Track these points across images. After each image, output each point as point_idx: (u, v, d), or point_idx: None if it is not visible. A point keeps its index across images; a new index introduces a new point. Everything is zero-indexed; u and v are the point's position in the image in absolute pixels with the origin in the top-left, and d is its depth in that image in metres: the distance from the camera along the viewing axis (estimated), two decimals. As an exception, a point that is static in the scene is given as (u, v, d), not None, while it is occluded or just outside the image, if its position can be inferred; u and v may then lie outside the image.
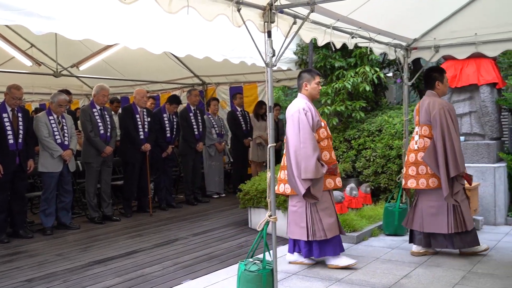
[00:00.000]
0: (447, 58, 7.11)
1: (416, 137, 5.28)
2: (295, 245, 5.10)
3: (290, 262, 5.15)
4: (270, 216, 3.98)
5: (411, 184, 5.25)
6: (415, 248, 5.38)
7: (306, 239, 4.87)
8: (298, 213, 4.90)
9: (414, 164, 5.23)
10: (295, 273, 4.81)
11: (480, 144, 6.91)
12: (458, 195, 5.03)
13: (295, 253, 5.13)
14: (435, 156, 5.01)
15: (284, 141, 4.93)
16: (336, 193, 6.41)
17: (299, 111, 4.76)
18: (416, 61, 7.90)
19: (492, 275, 4.61)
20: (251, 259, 4.07)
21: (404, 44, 6.18)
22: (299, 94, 5.04)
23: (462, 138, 7.07)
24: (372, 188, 7.22)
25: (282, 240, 6.02)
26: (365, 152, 7.33)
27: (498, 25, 5.51)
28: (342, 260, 4.95)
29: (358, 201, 6.72)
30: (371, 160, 7.24)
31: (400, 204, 6.22)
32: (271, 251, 4.06)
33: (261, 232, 4.01)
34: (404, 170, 5.45)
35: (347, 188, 6.69)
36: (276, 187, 5.00)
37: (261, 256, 4.05)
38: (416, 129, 5.32)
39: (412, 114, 7.33)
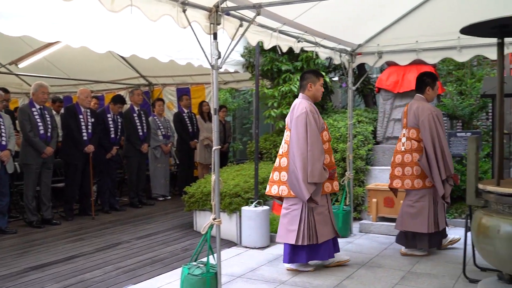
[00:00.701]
0: (390, 64, 7.31)
1: (403, 139, 5.41)
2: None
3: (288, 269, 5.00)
4: (214, 219, 3.96)
5: (396, 184, 5.40)
6: (403, 249, 5.54)
7: (293, 243, 4.72)
8: (291, 215, 4.76)
9: (400, 165, 5.37)
10: (239, 276, 4.79)
11: (421, 148, 7.12)
12: (448, 197, 5.26)
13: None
14: (426, 159, 5.17)
15: (285, 142, 4.81)
16: (281, 196, 6.46)
17: (306, 113, 4.63)
18: (361, 66, 8.10)
19: (429, 275, 4.75)
20: (194, 263, 4.03)
21: (349, 49, 6.29)
22: (301, 94, 4.91)
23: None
24: (317, 190, 7.30)
25: (227, 243, 6.01)
26: (311, 155, 7.40)
27: (438, 34, 5.70)
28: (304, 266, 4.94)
29: (303, 204, 6.78)
30: (316, 163, 7.32)
31: (344, 207, 6.32)
32: (215, 254, 4.03)
33: (205, 235, 3.98)
34: (390, 170, 5.58)
35: (293, 191, 6.74)
36: (267, 189, 4.97)
37: (205, 259, 4.02)
38: (404, 131, 5.44)
39: (357, 118, 7.52)
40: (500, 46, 3.34)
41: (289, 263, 4.89)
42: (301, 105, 4.74)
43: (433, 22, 5.64)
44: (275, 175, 4.86)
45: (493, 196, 3.29)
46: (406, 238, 5.46)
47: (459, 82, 7.63)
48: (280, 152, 4.88)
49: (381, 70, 8.77)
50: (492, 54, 5.61)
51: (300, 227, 4.69)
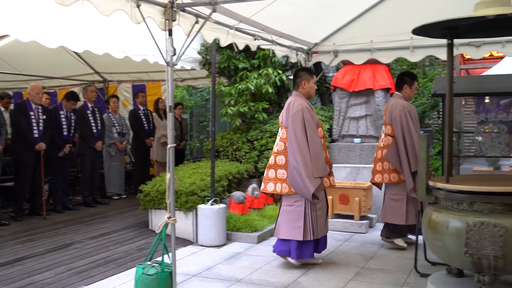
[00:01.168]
0: (346, 63, 7.40)
1: (382, 135, 5.59)
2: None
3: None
4: (169, 218, 3.91)
5: (378, 178, 5.58)
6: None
7: (301, 239, 4.75)
8: (295, 212, 4.78)
9: (380, 160, 5.56)
10: (195, 275, 4.76)
11: (375, 146, 7.25)
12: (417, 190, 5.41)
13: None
14: (396, 153, 5.32)
15: (281, 140, 4.83)
16: (237, 194, 6.46)
17: (302, 110, 4.68)
18: (317, 65, 8.16)
19: (383, 270, 4.85)
20: (149, 262, 3.97)
21: (305, 48, 6.35)
22: (295, 92, 4.95)
23: (358, 140, 7.41)
24: (274, 188, 7.33)
25: (183, 242, 5.96)
26: (267, 153, 7.43)
27: (391, 34, 5.83)
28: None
29: (260, 201, 6.80)
30: (273, 160, 7.35)
31: (300, 204, 6.36)
32: (170, 254, 3.98)
33: (159, 234, 3.93)
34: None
35: (249, 189, 6.75)
36: (262, 187, 4.97)
37: (160, 259, 3.97)
38: (383, 128, 5.61)
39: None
40: (450, 47, 3.43)
41: (297, 258, 4.92)
42: (296, 102, 4.78)
43: (387, 23, 5.76)
44: (270, 173, 4.89)
45: (442, 193, 3.38)
46: (388, 230, 5.64)
47: (412, 82, 7.79)
48: (275, 150, 4.91)
49: (337, 69, 8.88)
50: (443, 54, 5.78)
51: (306, 223, 4.76)
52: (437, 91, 3.97)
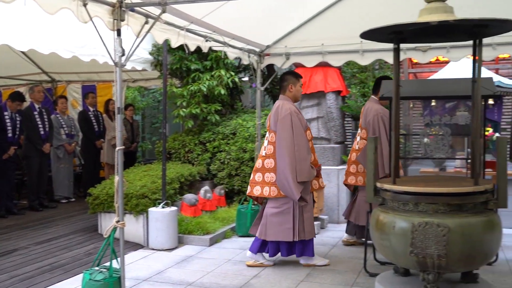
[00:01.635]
0: (297, 65, 7.46)
1: (358, 138, 5.70)
2: (261, 246, 5.02)
3: (248, 265, 5.09)
4: (117, 221, 3.83)
5: (351, 180, 5.70)
6: (345, 237, 5.93)
7: (291, 240, 4.84)
8: (283, 214, 4.86)
9: (354, 163, 5.66)
10: (145, 279, 4.68)
11: (326, 148, 7.37)
12: None
13: (255, 254, 5.06)
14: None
15: (269, 143, 4.93)
16: (189, 196, 6.41)
17: (291, 114, 4.79)
18: (270, 67, 8.18)
19: (333, 270, 4.91)
20: (97, 268, 3.87)
21: (257, 50, 6.35)
22: (282, 96, 5.07)
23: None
24: (226, 190, 7.33)
25: (133, 246, 5.85)
26: (220, 155, 7.41)
27: (342, 37, 5.90)
28: (317, 260, 5.06)
29: (212, 204, 6.77)
30: (226, 162, 7.34)
31: (252, 206, 6.37)
32: (119, 258, 3.89)
33: (107, 238, 3.84)
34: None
35: (201, 191, 6.71)
36: (249, 190, 5.01)
37: (108, 264, 3.87)
38: (359, 131, 5.75)
39: (266, 118, 7.60)
40: (396, 51, 3.51)
41: (287, 256, 5.04)
42: (284, 106, 4.89)
43: (338, 26, 5.82)
44: (257, 176, 4.95)
45: (389, 194, 3.45)
46: (358, 230, 5.78)
47: (362, 85, 7.94)
48: (263, 153, 4.99)
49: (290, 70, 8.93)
50: (390, 58, 5.88)
51: (295, 224, 4.83)
52: (384, 94, 4.05)
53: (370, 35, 3.39)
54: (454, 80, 4.48)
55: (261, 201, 5.19)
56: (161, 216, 5.71)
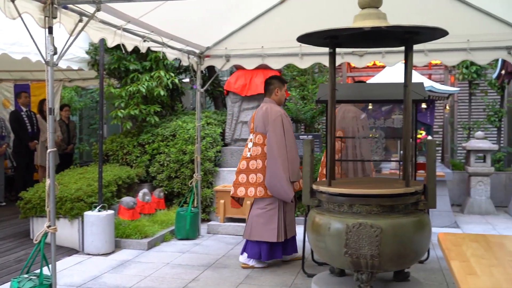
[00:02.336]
0: (238, 67, 7.48)
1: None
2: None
3: (243, 267, 5.11)
4: (49, 226, 3.68)
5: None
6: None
7: (275, 241, 4.90)
8: (268, 215, 4.92)
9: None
10: (79, 286, 4.53)
11: (266, 150, 7.39)
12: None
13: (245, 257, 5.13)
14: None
15: (255, 145, 4.97)
16: (127, 199, 6.27)
17: (281, 116, 4.92)
18: (211, 68, 8.15)
19: (272, 272, 4.94)
20: (26, 275, 3.71)
21: (197, 51, 6.30)
22: (267, 98, 5.17)
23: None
24: (166, 192, 7.23)
25: (67, 251, 5.66)
26: (159, 157, 7.30)
27: (281, 41, 5.94)
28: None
29: (151, 207, 6.65)
30: (165, 165, 7.24)
31: (192, 208, 6.32)
32: (50, 265, 3.75)
33: (38, 244, 3.68)
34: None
35: (140, 194, 6.58)
36: (232, 191, 5.06)
37: (38, 271, 3.72)
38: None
39: (206, 120, 7.56)
40: (332, 55, 3.57)
41: (267, 260, 5.03)
42: (273, 108, 5.00)
43: (278, 29, 5.86)
44: (240, 178, 5.01)
45: (325, 196, 3.51)
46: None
47: (302, 88, 8.06)
48: (247, 155, 5.02)
49: (231, 73, 8.94)
50: (328, 62, 6.03)
51: (279, 225, 4.90)
52: (321, 97, 4.12)
53: (306, 39, 3.43)
54: (388, 84, 4.61)
55: (242, 203, 5.34)
56: (97, 220, 5.55)
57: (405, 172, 3.48)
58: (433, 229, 6.76)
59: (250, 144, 5.09)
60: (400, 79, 5.48)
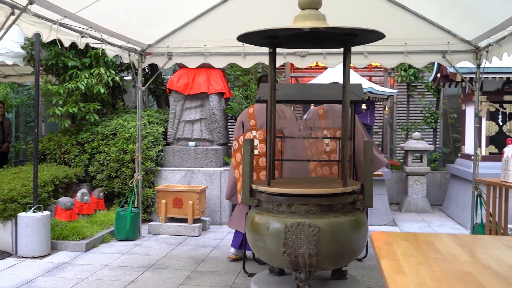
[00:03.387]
0: (181, 66, 7.38)
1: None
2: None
3: (228, 257, 5.33)
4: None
5: None
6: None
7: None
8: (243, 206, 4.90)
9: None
10: (10, 291, 4.35)
11: (209, 149, 7.36)
12: None
13: (237, 249, 5.30)
14: None
15: (262, 142, 4.85)
16: (64, 199, 6.08)
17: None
18: (154, 66, 8.01)
19: (213, 272, 4.91)
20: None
21: (138, 48, 6.17)
22: None
23: (193, 143, 7.44)
24: (106, 193, 7.05)
25: (-1, 254, 5.42)
26: (99, 156, 7.11)
27: (224, 40, 5.91)
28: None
29: (90, 207, 6.47)
30: (105, 164, 7.06)
31: (132, 209, 6.20)
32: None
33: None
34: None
35: (78, 194, 6.38)
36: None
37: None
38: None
39: (148, 119, 7.43)
40: (272, 55, 3.58)
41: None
42: (282, 106, 4.99)
43: (221, 28, 5.83)
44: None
45: (264, 196, 3.51)
46: None
47: (245, 87, 8.06)
48: (255, 152, 4.80)
49: (174, 71, 8.83)
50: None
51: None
52: (261, 97, 4.12)
53: (246, 38, 3.43)
54: (327, 85, 4.68)
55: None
56: (31, 221, 5.35)
57: (342, 172, 3.54)
58: (372, 227, 6.96)
59: (255, 142, 4.87)
60: (341, 80, 5.57)
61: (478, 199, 5.75)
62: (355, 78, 7.56)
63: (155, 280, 4.66)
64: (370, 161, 3.51)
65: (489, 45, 5.34)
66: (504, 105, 7.20)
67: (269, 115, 3.53)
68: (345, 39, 3.51)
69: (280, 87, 3.92)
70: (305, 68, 7.09)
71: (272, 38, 3.48)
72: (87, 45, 5.22)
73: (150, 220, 7.07)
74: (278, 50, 5.99)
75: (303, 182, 3.71)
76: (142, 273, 4.87)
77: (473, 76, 6.02)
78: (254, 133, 5.08)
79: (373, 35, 3.40)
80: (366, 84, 7.21)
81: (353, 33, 3.34)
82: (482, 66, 5.70)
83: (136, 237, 6.23)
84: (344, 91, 3.54)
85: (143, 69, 6.55)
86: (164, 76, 9.32)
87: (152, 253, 5.61)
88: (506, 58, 5.20)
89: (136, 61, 6.25)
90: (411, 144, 8.31)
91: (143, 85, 6.51)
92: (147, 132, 7.19)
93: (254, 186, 3.57)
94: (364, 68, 9.29)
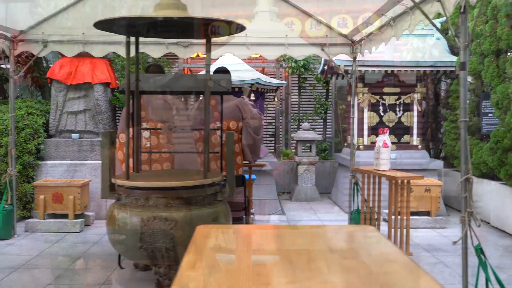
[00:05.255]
0: (63, 54, 7.02)
1: None
2: None
3: None
4: None
5: None
6: None
7: None
8: None
9: None
10: None
11: (94, 141, 7.09)
12: None
13: None
14: None
15: None
16: None
17: None
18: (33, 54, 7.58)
19: (87, 270, 4.76)
20: None
21: (9, 35, 5.79)
22: None
23: (77, 135, 7.13)
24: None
25: None
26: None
27: (103, 28, 5.69)
28: None
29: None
30: (-23, 159, 6.58)
31: (5, 206, 5.82)
32: None
33: None
34: None
35: None
36: None
37: None
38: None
39: (26, 110, 7.01)
40: (128, 44, 3.47)
41: None
42: None
43: (99, 16, 5.57)
44: None
45: (123, 190, 3.41)
46: None
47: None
48: None
49: (53, 60, 8.39)
50: (151, 51, 5.94)
51: None
52: (123, 88, 3.99)
53: (101, 26, 3.29)
54: (193, 76, 4.62)
55: None
56: None
57: (205, 164, 3.51)
58: (260, 217, 7.07)
59: (147, 134, 4.70)
60: (234, 68, 5.61)
61: (355, 186, 5.99)
62: (245, 68, 7.61)
63: (22, 281, 4.41)
64: (232, 153, 3.51)
65: (362, 39, 5.55)
66: (384, 97, 7.56)
67: (126, 107, 3.42)
68: (205, 30, 3.47)
69: (142, 78, 3.81)
70: (199, 59, 7.02)
71: (129, 27, 3.36)
72: None
73: (30, 217, 6.69)
74: (160, 40, 5.91)
75: (165, 175, 3.64)
76: (8, 275, 4.58)
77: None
78: (145, 125, 4.96)
79: (232, 27, 3.38)
80: (254, 75, 7.27)
81: (211, 24, 3.30)
82: (358, 59, 5.93)
83: (10, 236, 5.87)
84: (206, 83, 3.50)
85: (26, 57, 6.15)
86: (50, 65, 8.83)
87: (25, 253, 5.31)
88: (387, 52, 5.45)
89: (6, 48, 5.85)
90: (300, 134, 8.51)
91: (20, 74, 6.11)
92: (25, 124, 6.77)
93: (113, 180, 3.46)
94: (257, 59, 9.41)
